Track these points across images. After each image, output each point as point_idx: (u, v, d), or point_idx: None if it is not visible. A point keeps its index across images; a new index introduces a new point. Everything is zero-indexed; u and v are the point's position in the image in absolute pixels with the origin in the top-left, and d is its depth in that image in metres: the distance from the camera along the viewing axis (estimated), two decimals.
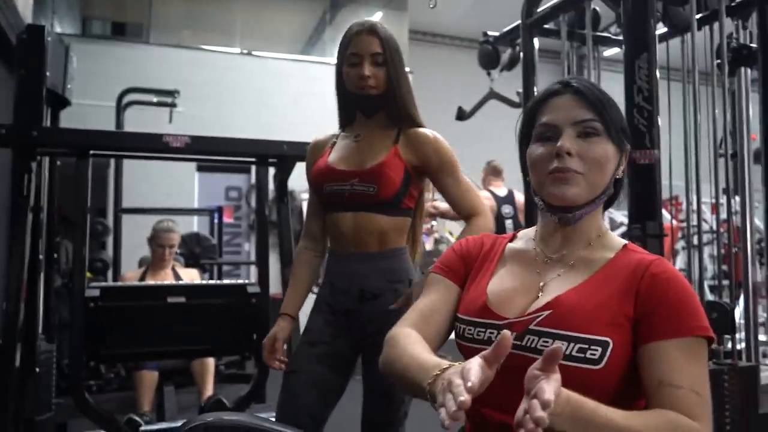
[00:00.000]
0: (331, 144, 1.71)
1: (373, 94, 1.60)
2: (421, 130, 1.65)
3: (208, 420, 1.09)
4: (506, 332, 0.75)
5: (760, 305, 3.02)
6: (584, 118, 0.98)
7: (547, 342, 0.91)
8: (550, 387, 0.71)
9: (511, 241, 1.13)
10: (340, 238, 1.64)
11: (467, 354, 1.02)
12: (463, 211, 1.66)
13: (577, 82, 1.02)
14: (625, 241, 1.04)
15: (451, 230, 7.03)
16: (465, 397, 0.69)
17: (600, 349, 0.89)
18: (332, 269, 1.67)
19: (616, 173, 1.02)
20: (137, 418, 2.84)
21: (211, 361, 3.47)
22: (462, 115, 4.02)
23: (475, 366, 0.74)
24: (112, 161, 5.63)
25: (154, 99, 5.47)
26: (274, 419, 1.50)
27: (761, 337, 2.92)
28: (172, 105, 5.28)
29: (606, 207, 1.08)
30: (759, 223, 2.97)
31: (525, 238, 1.12)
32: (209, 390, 3.37)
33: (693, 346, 0.88)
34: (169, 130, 3.49)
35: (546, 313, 0.95)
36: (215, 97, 7.10)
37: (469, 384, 0.71)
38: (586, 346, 0.89)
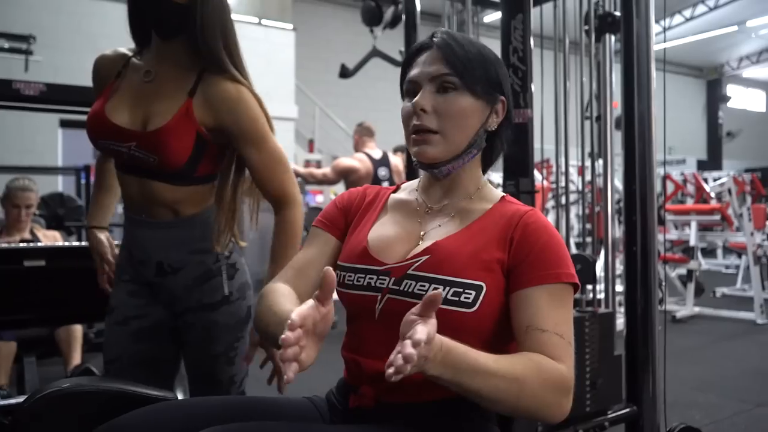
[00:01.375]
0: (117, 73, 1.36)
1: (173, 1, 1.25)
2: (224, 82, 1.30)
3: (64, 386, 1.00)
4: (328, 268, 0.77)
5: (618, 259, 3.29)
6: (440, 72, 0.98)
7: (424, 286, 0.93)
8: (425, 329, 0.72)
9: (394, 192, 1.14)
10: (129, 200, 1.39)
11: (348, 302, 1.01)
12: (269, 194, 1.37)
13: (441, 35, 1.01)
14: (502, 193, 1.07)
15: (335, 191, 7.03)
16: (285, 335, 0.70)
17: (474, 292, 0.91)
18: (128, 234, 1.43)
19: (486, 126, 1.02)
20: None
21: (78, 329, 3.24)
22: (345, 73, 3.98)
23: (303, 307, 0.75)
24: None
25: (6, 45, 4.91)
26: None
27: (617, 288, 3.19)
28: (28, 52, 4.78)
29: (487, 160, 1.09)
30: (618, 184, 3.22)
31: (408, 189, 1.13)
32: (76, 359, 3.15)
33: (558, 292, 0.93)
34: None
35: (424, 258, 0.96)
36: (81, 47, 6.47)
37: (289, 321, 0.72)
38: (461, 290, 0.91)
